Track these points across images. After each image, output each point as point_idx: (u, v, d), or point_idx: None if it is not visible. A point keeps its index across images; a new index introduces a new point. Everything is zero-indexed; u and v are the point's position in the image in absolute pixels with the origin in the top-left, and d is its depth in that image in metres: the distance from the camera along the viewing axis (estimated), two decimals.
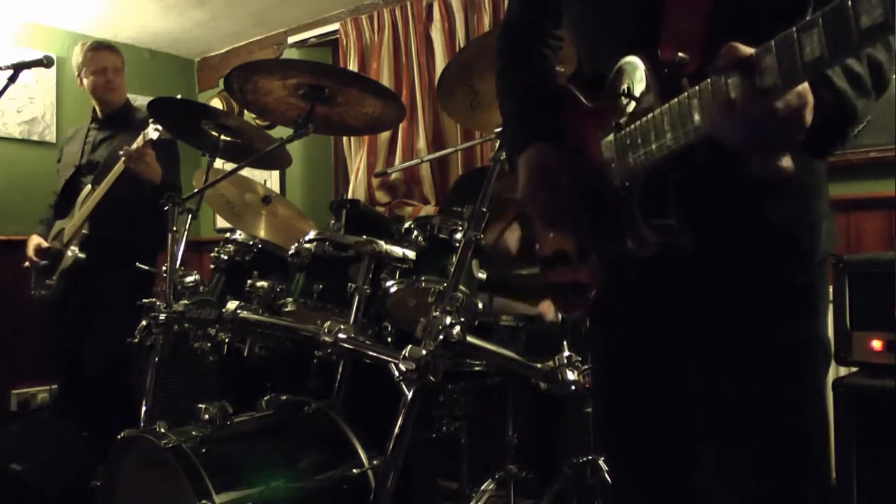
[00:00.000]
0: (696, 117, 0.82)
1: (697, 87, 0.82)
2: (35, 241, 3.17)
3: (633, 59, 0.95)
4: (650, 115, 0.90)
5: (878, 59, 0.88)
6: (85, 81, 3.19)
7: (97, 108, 3.27)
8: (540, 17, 1.26)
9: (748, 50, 0.74)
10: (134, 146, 2.80)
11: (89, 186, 3.06)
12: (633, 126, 0.94)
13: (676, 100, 0.85)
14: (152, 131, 2.76)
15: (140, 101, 3.21)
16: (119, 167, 2.85)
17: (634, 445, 1.17)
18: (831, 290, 2.00)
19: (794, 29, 0.68)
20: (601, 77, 1.03)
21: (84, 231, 2.99)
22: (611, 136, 1.00)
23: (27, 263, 3.18)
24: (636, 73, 0.94)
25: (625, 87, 0.96)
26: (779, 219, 0.98)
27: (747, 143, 0.78)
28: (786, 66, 0.70)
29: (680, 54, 0.90)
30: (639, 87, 0.94)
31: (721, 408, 1.02)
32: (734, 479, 1.01)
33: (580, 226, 1.08)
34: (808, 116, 0.76)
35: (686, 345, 1.06)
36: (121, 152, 2.83)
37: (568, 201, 1.08)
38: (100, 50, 3.20)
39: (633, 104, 0.95)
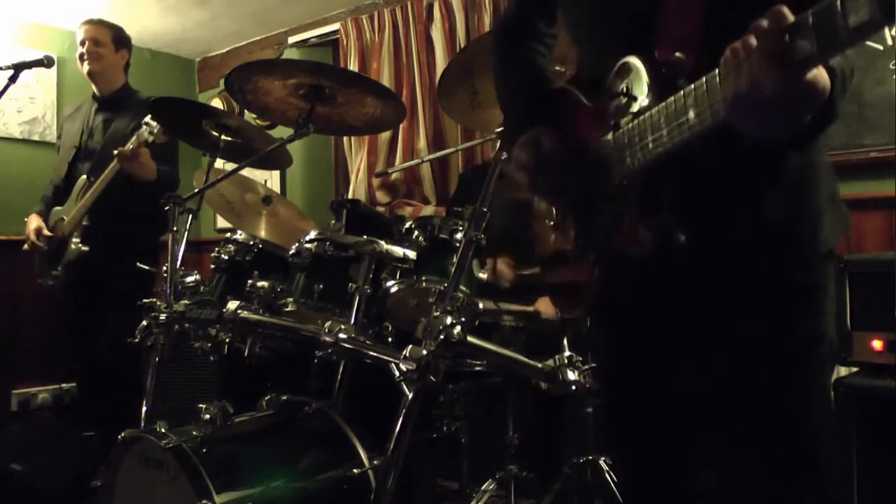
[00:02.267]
0: (692, 115, 0.82)
1: (693, 86, 0.82)
2: (35, 222, 3.16)
3: (631, 60, 0.96)
4: (647, 114, 0.91)
5: (853, 63, 0.88)
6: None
7: (94, 88, 3.26)
8: (533, 15, 1.28)
9: (791, 15, 0.72)
10: (128, 146, 2.79)
11: (84, 177, 3.06)
12: (630, 125, 0.95)
13: (673, 98, 0.85)
14: (147, 133, 2.75)
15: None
16: (114, 166, 2.85)
17: (636, 444, 1.18)
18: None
19: None
20: (600, 78, 1.04)
21: (84, 223, 2.99)
22: (609, 135, 1.00)
23: (26, 246, 3.17)
24: (634, 74, 0.95)
25: (623, 86, 0.97)
26: (774, 216, 0.98)
27: (762, 119, 0.77)
28: (825, 35, 0.68)
29: (677, 54, 0.90)
30: (637, 87, 0.95)
31: (721, 408, 1.02)
32: (735, 480, 1.01)
33: (577, 203, 1.09)
34: (821, 99, 0.76)
35: (685, 344, 1.06)
36: (115, 152, 2.82)
37: (553, 166, 1.09)
38: (83, 24, 3.20)
39: (631, 103, 0.96)
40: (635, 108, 0.95)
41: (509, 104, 1.29)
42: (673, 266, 0.98)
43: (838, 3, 0.65)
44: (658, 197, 0.94)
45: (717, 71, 0.79)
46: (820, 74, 0.75)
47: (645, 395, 1.14)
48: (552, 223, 1.18)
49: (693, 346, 1.05)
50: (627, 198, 0.96)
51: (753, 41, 0.74)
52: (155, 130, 2.76)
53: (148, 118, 2.78)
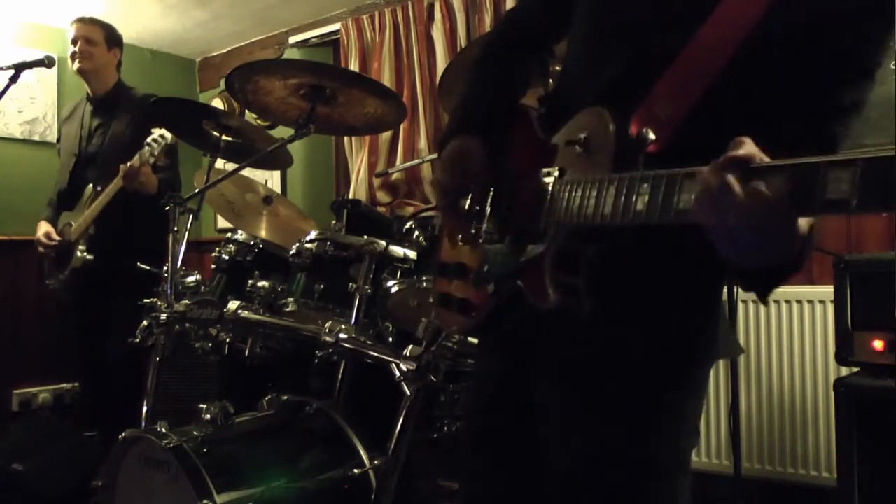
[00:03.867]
0: (640, 206, 0.78)
1: (652, 174, 0.78)
2: (44, 228, 3.17)
3: (603, 112, 0.91)
4: (598, 180, 0.86)
5: None
6: None
7: (87, 88, 3.25)
8: (540, 26, 1.22)
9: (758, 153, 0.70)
10: (129, 164, 2.80)
11: (91, 186, 3.07)
12: (577, 181, 0.90)
13: (628, 176, 0.81)
14: (148, 154, 2.76)
15: None
16: (117, 181, 2.86)
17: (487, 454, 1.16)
18: (833, 290, 2.01)
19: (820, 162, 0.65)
20: (567, 111, 1.00)
21: (90, 231, 3.00)
22: (551, 178, 0.96)
23: (41, 249, 3.18)
24: (599, 128, 0.90)
25: (583, 136, 0.92)
26: (666, 322, 0.97)
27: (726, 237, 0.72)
28: (804, 196, 0.66)
29: (648, 131, 0.86)
30: (597, 144, 0.91)
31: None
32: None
33: (474, 218, 1.07)
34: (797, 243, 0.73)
35: (546, 385, 1.05)
36: (121, 167, 2.83)
37: (470, 189, 1.07)
38: (74, 23, 3.19)
39: (585, 157, 0.92)
40: (587, 163, 0.91)
41: (468, 97, 1.22)
42: (565, 323, 0.96)
43: (821, 172, 0.63)
44: (576, 258, 0.92)
45: (679, 174, 0.75)
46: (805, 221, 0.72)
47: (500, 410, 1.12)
48: (461, 235, 1.13)
49: (552, 391, 1.04)
50: (547, 247, 0.93)
51: (729, 179, 0.69)
52: (156, 151, 2.77)
53: (157, 135, 2.78)
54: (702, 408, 1.06)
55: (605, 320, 0.94)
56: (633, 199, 0.79)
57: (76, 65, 3.16)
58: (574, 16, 1.10)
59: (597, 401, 0.99)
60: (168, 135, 2.80)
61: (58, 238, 3.12)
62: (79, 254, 3.00)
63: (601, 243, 0.91)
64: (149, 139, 2.78)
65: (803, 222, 0.72)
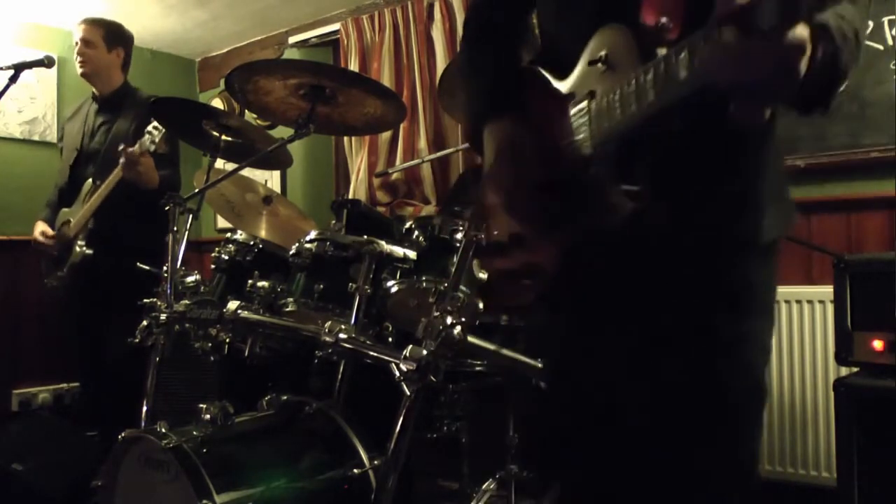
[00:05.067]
0: (683, 73, 0.79)
1: (684, 42, 0.79)
2: (40, 227, 3.17)
3: (613, 27, 0.94)
4: (631, 79, 0.88)
5: (856, 25, 0.87)
6: None
7: (93, 88, 3.25)
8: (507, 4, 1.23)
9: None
10: (130, 150, 2.79)
11: (90, 181, 3.06)
12: (612, 90, 0.92)
13: (661, 58, 0.83)
14: (149, 142, 2.75)
15: None
16: (117, 172, 2.85)
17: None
18: (833, 290, 2.01)
19: None
20: (569, 54, 1.01)
21: (89, 226, 2.99)
22: (584, 104, 0.98)
23: (38, 247, 3.18)
24: (616, 37, 0.93)
25: (602, 54, 0.95)
26: (722, 201, 0.99)
27: (738, 88, 0.76)
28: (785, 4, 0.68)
29: (663, 20, 0.88)
30: (618, 54, 0.93)
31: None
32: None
33: (538, 205, 1.06)
34: (803, 64, 0.75)
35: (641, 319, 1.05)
36: (120, 148, 2.82)
37: (530, 177, 1.06)
38: (78, 24, 3.18)
39: (610, 72, 0.94)
40: (616, 73, 0.93)
41: (480, 82, 1.22)
42: (639, 239, 0.97)
43: None
44: (631, 165, 0.92)
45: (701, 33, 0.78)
46: (796, 40, 0.73)
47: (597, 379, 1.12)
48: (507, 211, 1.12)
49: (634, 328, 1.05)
50: (601, 165, 0.94)
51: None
52: (157, 139, 2.76)
53: (150, 127, 2.77)
54: (771, 324, 1.07)
55: (668, 219, 0.95)
56: (675, 69, 0.80)
57: (78, 69, 3.16)
58: None
59: (664, 330, 1.01)
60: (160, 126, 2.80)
61: (53, 234, 3.11)
62: (77, 248, 2.99)
63: (653, 143, 0.91)
64: (148, 128, 2.78)
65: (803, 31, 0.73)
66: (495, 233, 1.18)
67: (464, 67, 1.29)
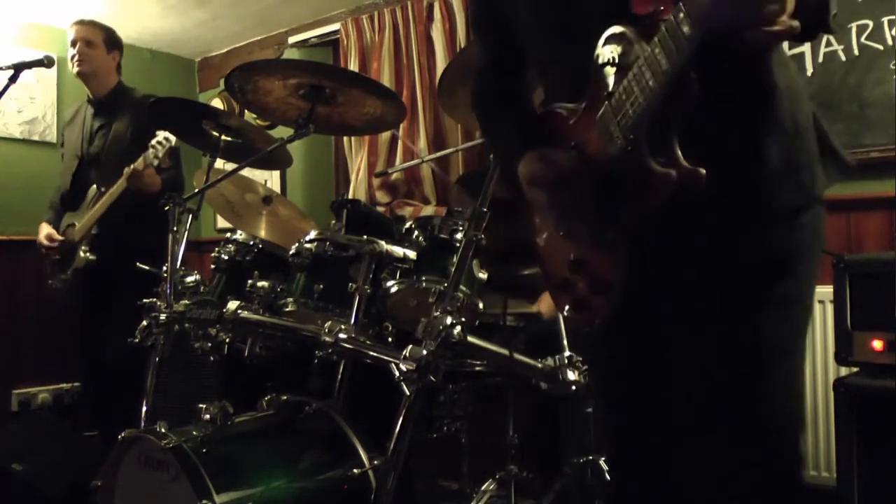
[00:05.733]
0: (686, 29, 0.84)
1: (679, 4, 0.84)
2: (45, 230, 3.18)
3: (613, 31, 0.97)
4: (640, 59, 0.92)
5: None
6: None
7: (87, 91, 3.25)
8: (508, 52, 1.29)
9: None
10: (133, 167, 2.81)
11: (94, 187, 3.07)
12: (625, 80, 0.95)
13: (663, 25, 0.87)
14: (152, 157, 2.76)
15: None
16: (121, 183, 2.88)
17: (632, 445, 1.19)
18: (833, 290, 2.01)
19: None
20: (578, 73, 1.05)
21: (94, 232, 3.00)
22: (604, 106, 1.01)
23: (43, 251, 3.19)
24: (618, 41, 0.97)
25: (609, 58, 0.98)
26: (760, 163, 1.03)
27: (737, 18, 0.82)
28: None
29: (656, 7, 0.92)
30: (624, 51, 0.96)
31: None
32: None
33: (592, 209, 1.08)
34: None
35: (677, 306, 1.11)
36: (125, 169, 2.83)
37: (575, 188, 1.08)
38: (73, 25, 3.19)
39: (620, 71, 0.97)
40: (625, 65, 0.96)
41: (506, 139, 1.27)
42: (690, 208, 0.98)
43: None
44: (665, 141, 0.95)
45: None
46: None
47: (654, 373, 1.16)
48: (560, 234, 1.15)
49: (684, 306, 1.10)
50: (637, 148, 0.96)
51: None
52: (161, 154, 2.78)
53: (155, 141, 2.79)
54: (814, 279, 1.16)
55: (712, 184, 0.96)
56: (678, 29, 0.85)
57: (75, 68, 3.16)
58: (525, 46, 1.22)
59: (710, 295, 1.06)
60: (172, 138, 2.81)
61: (60, 238, 3.13)
62: (81, 254, 3.01)
63: (679, 113, 0.94)
64: (153, 142, 2.79)
65: None
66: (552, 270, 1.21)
67: (493, 144, 1.37)
